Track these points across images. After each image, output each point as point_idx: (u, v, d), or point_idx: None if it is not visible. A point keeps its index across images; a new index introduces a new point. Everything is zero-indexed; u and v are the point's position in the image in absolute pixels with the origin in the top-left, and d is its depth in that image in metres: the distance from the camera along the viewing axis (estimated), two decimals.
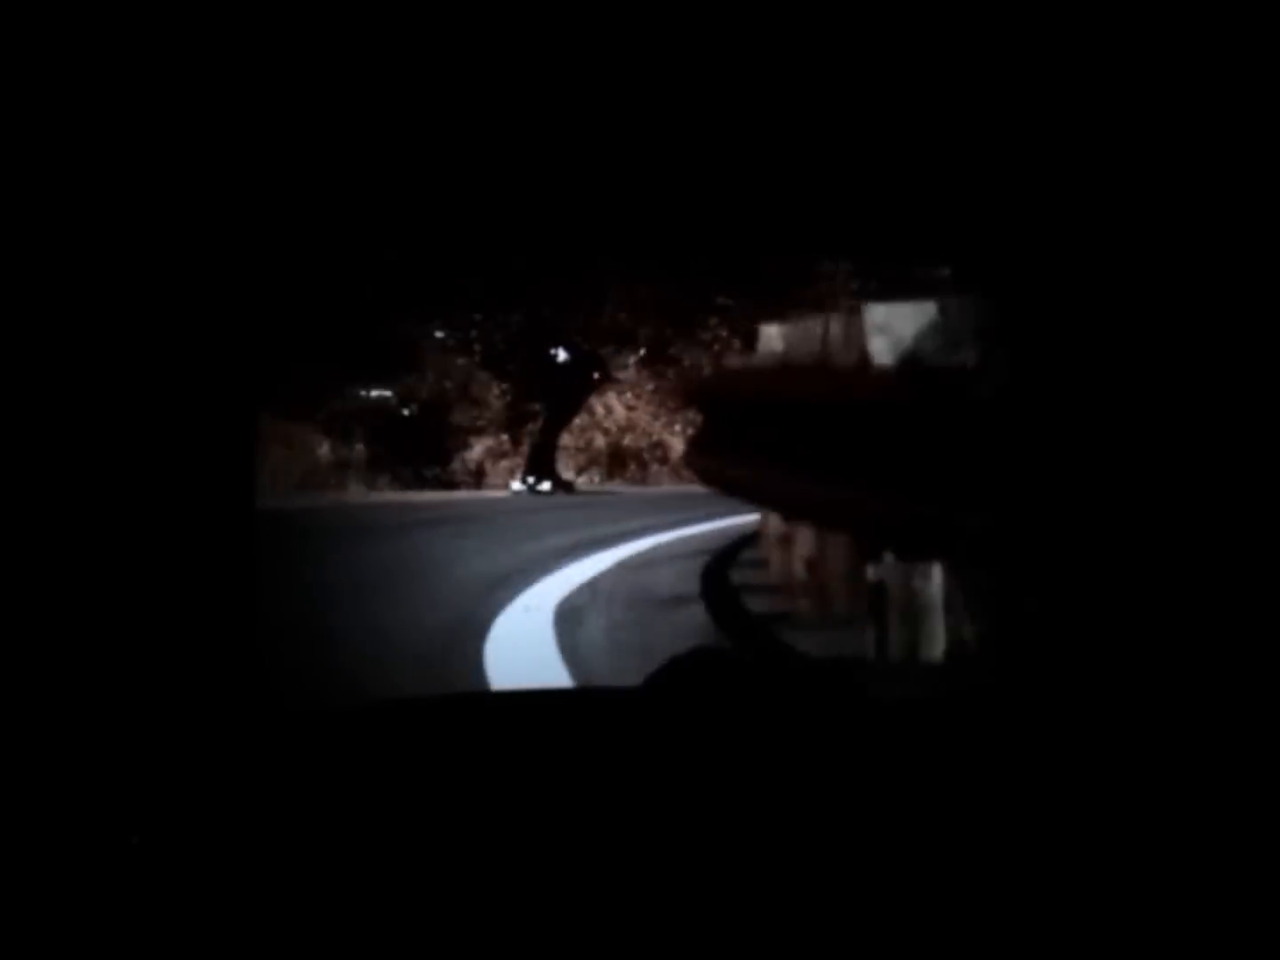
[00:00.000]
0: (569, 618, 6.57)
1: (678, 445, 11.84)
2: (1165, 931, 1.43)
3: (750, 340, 8.58)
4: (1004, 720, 1.87)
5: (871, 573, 5.28)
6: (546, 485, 11.87)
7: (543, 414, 12.27)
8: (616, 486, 12.47)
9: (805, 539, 6.45)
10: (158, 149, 1.90)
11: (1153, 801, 1.56)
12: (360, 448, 12.43)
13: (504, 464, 12.51)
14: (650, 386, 12.71)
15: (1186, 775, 1.61)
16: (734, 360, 10.31)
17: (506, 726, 1.88)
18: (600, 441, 12.79)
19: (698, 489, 8.83)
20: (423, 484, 12.30)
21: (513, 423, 12.60)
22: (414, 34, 2.00)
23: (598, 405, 12.73)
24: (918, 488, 4.52)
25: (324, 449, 12.39)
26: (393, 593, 7.20)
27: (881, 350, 4.97)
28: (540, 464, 11.92)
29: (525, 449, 12.16)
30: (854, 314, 5.41)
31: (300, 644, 5.39)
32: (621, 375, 12.64)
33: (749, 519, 8.22)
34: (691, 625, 6.35)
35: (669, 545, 8.89)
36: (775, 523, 7.13)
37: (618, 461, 12.77)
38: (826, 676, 1.77)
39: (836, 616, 6.00)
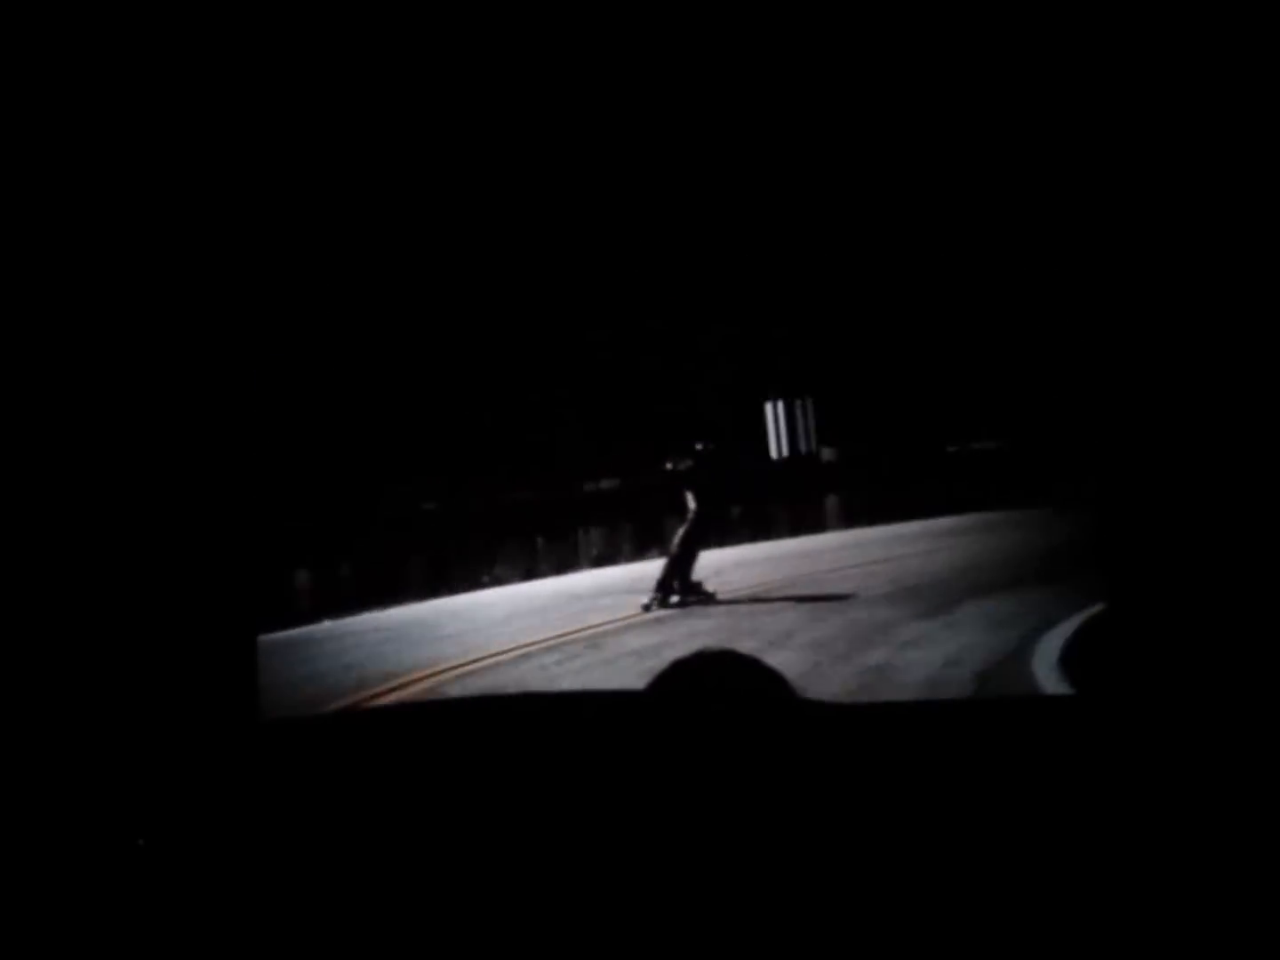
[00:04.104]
0: None
1: None
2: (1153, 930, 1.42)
3: None
4: (993, 723, 1.82)
5: None
6: (676, 599, 10.29)
7: (691, 518, 10.43)
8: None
9: None
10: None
11: (1144, 805, 1.53)
12: None
13: None
14: None
15: (1183, 773, 1.57)
16: None
17: (515, 727, 1.87)
18: None
19: None
20: None
21: None
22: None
23: None
24: None
25: None
26: None
27: None
28: (671, 579, 10.35)
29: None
30: None
31: None
32: None
33: None
34: None
35: None
36: None
37: None
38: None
39: None
